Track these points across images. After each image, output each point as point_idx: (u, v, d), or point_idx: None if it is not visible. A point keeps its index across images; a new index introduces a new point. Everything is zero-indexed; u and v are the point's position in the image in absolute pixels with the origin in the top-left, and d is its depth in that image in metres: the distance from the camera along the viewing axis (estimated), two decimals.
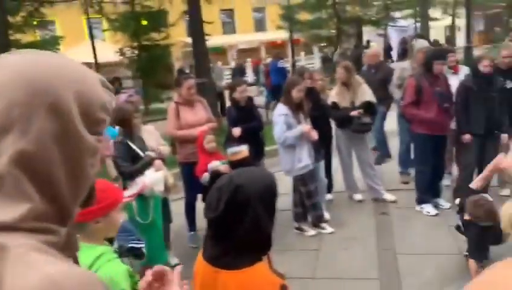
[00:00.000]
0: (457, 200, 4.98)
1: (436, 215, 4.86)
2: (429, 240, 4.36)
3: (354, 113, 5.08)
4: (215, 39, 14.01)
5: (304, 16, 20.14)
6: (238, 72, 16.02)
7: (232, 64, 22.06)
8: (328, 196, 5.50)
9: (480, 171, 4.94)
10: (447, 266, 3.78)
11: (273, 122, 4.64)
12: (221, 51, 26.71)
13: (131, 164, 3.66)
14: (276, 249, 4.47)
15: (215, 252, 1.47)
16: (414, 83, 4.74)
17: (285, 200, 5.29)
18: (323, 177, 4.85)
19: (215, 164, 4.18)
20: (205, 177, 4.13)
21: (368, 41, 24.31)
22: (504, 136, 4.85)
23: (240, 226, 1.41)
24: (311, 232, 4.72)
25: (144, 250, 2.67)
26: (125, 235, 2.56)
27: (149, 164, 3.72)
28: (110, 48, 16.15)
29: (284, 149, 4.58)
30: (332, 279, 3.86)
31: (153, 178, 3.67)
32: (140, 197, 3.64)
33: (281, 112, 4.51)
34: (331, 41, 20.27)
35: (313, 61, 24.57)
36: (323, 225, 4.75)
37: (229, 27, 28.92)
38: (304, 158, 4.50)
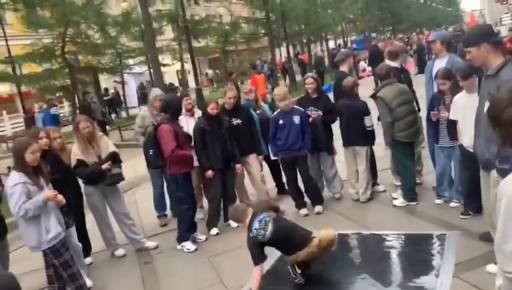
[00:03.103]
0: (213, 230, 5.47)
1: (195, 250, 5.14)
2: (193, 276, 4.56)
3: (106, 166, 4.97)
4: None
5: (31, 68, 18.53)
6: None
7: None
8: (88, 260, 5.14)
9: (224, 201, 5.58)
10: None
11: (7, 196, 4.02)
12: None
13: None
14: None
15: None
16: (170, 128, 4.97)
17: (39, 277, 4.69)
18: (76, 243, 4.50)
19: None
20: None
21: (106, 89, 24.32)
22: (238, 166, 5.61)
23: None
24: None
25: None
26: None
27: None
28: None
29: (25, 222, 4.01)
30: None
31: None
32: None
33: (15, 180, 3.95)
34: (67, 90, 19.32)
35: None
36: None
37: None
38: (53, 227, 4.06)
